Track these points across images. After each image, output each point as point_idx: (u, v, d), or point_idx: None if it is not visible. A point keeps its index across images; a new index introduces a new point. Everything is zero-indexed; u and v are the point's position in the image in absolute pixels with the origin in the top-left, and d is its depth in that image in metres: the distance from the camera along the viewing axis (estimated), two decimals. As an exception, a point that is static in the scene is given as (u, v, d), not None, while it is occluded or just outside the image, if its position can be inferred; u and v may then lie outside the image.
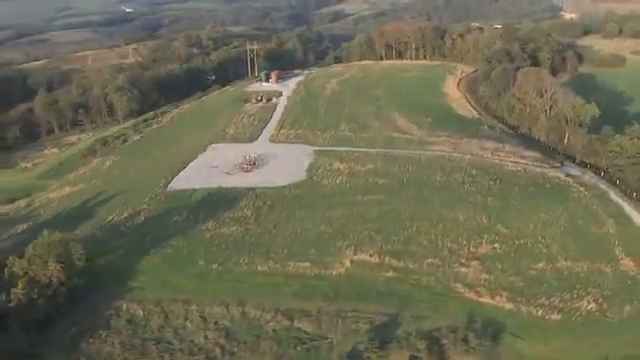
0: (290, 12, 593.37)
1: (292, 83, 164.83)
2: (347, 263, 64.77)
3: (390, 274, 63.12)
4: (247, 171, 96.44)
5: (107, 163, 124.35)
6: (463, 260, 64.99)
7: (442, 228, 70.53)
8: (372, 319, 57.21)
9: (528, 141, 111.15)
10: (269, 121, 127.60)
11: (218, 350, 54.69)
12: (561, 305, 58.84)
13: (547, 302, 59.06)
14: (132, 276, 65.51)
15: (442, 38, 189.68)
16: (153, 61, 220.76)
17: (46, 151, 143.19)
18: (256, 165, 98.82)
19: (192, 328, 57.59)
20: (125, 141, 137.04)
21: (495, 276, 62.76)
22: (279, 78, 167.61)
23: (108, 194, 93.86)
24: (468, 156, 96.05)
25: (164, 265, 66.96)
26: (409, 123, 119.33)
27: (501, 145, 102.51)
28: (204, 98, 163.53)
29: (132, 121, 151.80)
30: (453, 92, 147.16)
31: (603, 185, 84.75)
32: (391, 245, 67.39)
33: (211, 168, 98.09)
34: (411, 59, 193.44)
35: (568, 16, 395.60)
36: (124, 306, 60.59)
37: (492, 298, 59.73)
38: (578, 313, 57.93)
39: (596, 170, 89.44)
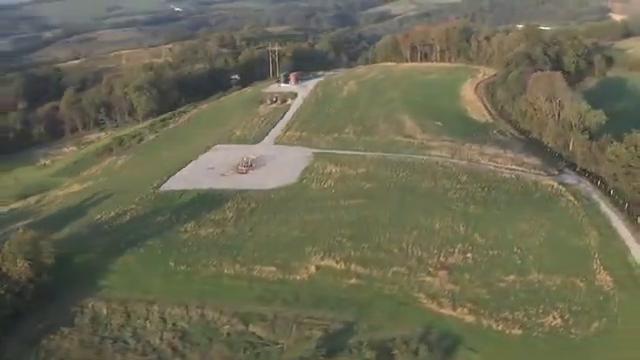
0: (336, 12, 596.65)
1: (311, 84, 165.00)
2: (312, 269, 64.32)
3: (353, 281, 62.36)
4: (242, 173, 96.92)
5: (119, 162, 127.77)
6: (431, 269, 63.60)
7: (416, 236, 69.25)
8: (327, 326, 56.53)
9: (536, 147, 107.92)
10: (278, 123, 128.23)
11: (170, 351, 55.05)
12: (525, 320, 56.88)
13: (511, 316, 57.17)
14: (104, 275, 66.59)
15: (468, 40, 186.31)
16: (182, 61, 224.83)
17: (65, 149, 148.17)
18: (252, 167, 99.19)
19: (151, 328, 58.02)
20: (140, 140, 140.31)
21: (461, 287, 61.25)
22: (298, 79, 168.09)
23: (106, 193, 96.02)
24: (464, 162, 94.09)
25: (136, 265, 67.95)
26: (416, 126, 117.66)
27: (503, 151, 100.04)
28: (223, 99, 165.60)
29: (150, 121, 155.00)
30: (470, 95, 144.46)
31: (596, 195, 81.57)
32: (360, 252, 66.55)
33: (207, 169, 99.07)
34: (436, 61, 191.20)
35: (617, 18, 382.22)
36: (90, 304, 61.51)
37: (454, 310, 58.23)
38: (541, 329, 55.91)
39: (594, 178, 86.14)
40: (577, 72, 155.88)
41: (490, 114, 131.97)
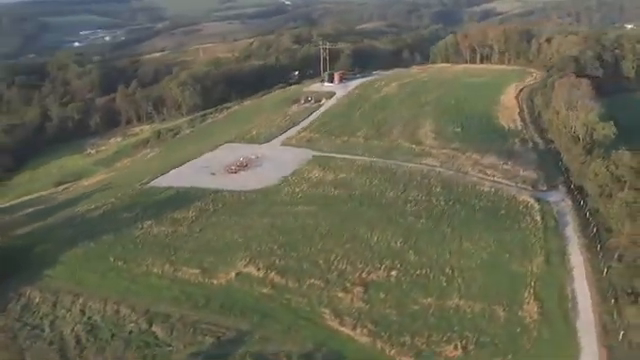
0: (440, 9, 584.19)
1: (355, 84, 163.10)
2: (232, 274, 64.68)
3: (266, 290, 61.94)
4: (232, 173, 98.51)
5: (148, 155, 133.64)
6: (348, 285, 61.71)
7: (348, 248, 67.36)
8: (222, 333, 57.06)
9: (550, 158, 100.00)
10: (299, 123, 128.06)
11: (73, 343, 58.06)
12: (423, 347, 53.85)
13: (410, 341, 54.29)
14: (52, 265, 70.79)
15: (528, 42, 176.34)
16: (247, 56, 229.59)
17: (112, 140, 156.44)
18: (246, 167, 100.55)
19: (69, 320, 61.30)
20: (176, 134, 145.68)
21: (371, 306, 58.97)
22: (342, 79, 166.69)
23: (107, 186, 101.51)
24: (451, 172, 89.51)
25: (82, 258, 71.56)
26: (431, 132, 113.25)
27: (502, 162, 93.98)
28: (265, 96, 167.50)
29: (192, 115, 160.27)
30: (509, 100, 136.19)
31: (570, 216, 74.68)
32: (284, 261, 65.89)
33: (201, 168, 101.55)
34: (495, 63, 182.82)
35: None
36: (27, 292, 66.01)
37: (353, 329, 56.26)
38: (436, 358, 52.96)
39: (583, 197, 78.54)
40: (637, 77, 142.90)
41: (523, 121, 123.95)
